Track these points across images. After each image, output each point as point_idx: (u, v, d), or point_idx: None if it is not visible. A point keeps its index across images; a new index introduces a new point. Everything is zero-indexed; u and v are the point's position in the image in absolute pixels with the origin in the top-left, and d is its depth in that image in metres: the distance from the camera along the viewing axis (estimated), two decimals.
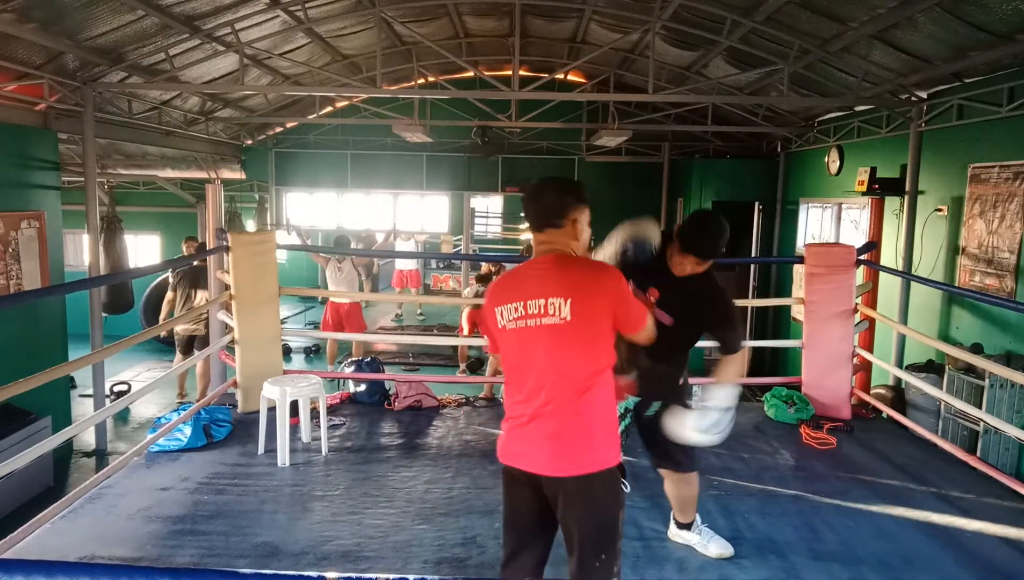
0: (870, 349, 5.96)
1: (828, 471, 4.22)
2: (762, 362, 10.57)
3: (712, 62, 8.31)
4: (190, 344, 8.23)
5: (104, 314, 7.91)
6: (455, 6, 8.13)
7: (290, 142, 13.03)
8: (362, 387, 5.46)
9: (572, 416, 2.22)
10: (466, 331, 9.46)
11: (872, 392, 5.67)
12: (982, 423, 4.98)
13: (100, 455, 7.26)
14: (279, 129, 12.70)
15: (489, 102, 10.40)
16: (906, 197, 6.84)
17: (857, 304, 5.16)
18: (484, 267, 11.11)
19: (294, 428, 4.49)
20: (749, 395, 8.51)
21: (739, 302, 10.57)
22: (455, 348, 10.41)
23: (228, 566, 3.10)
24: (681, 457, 3.09)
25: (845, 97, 7.51)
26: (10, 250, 6.41)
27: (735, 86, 8.97)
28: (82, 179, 7.35)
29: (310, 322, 13.12)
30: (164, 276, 8.84)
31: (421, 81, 10.91)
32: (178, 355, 8.40)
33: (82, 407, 8.16)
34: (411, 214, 13.52)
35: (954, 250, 6.15)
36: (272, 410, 4.25)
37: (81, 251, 11.28)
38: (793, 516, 3.62)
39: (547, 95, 9.20)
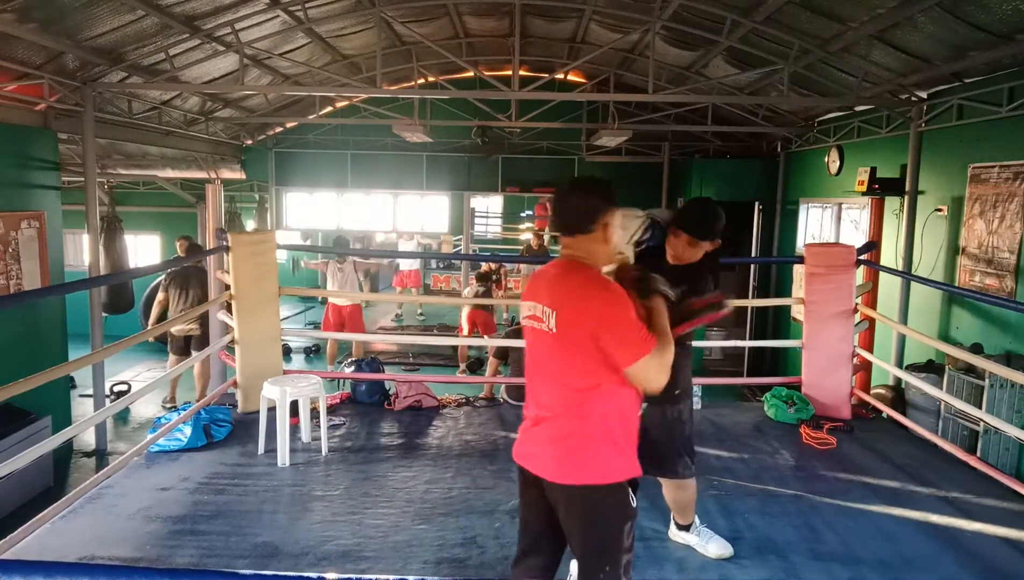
0: (870, 349, 5.96)
1: (828, 471, 4.21)
2: (762, 362, 10.57)
3: (712, 62, 8.31)
4: (186, 345, 8.22)
5: (104, 314, 7.92)
6: (455, 6, 8.13)
7: (290, 142, 13.02)
8: (363, 387, 5.46)
9: (572, 423, 2.20)
10: (466, 331, 9.47)
11: (872, 392, 5.67)
12: (982, 423, 4.98)
13: (100, 455, 7.26)
14: (279, 129, 12.70)
15: (489, 102, 10.40)
16: (906, 197, 6.84)
17: (857, 304, 5.16)
18: (484, 267, 11.12)
19: (294, 428, 4.48)
20: (749, 395, 8.52)
21: (739, 302, 10.67)
22: (455, 348, 10.42)
23: (228, 566, 3.10)
24: (672, 465, 3.08)
25: (845, 97, 7.51)
26: (10, 250, 6.41)
27: (735, 86, 8.97)
28: (82, 179, 7.35)
29: (310, 322, 13.12)
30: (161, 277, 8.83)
31: (421, 81, 10.91)
32: (172, 357, 8.37)
33: (82, 407, 8.16)
34: (411, 214, 13.52)
35: (954, 250, 6.15)
36: (272, 410, 4.25)
37: (81, 251, 11.28)
38: (793, 516, 3.62)
39: (547, 95, 9.20)
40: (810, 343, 5.25)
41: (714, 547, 3.22)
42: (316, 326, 12.04)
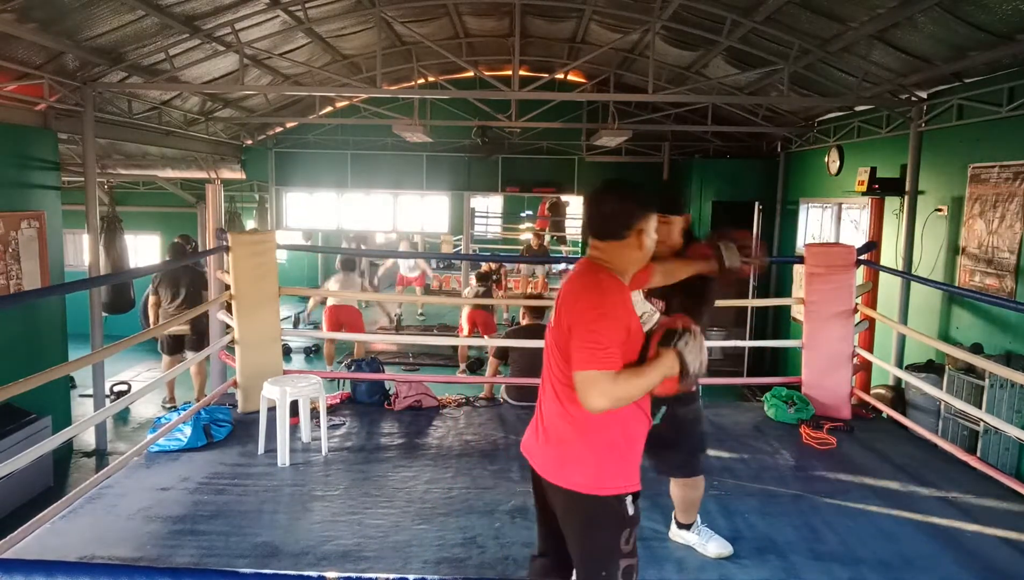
0: (870, 349, 5.95)
1: (828, 471, 4.21)
2: (762, 362, 10.57)
3: (712, 62, 8.31)
4: (178, 344, 8.21)
5: (104, 314, 7.92)
6: (455, 6, 8.13)
7: (290, 142, 13.03)
8: (363, 387, 5.46)
9: (569, 427, 2.18)
10: (466, 331, 9.46)
11: (872, 392, 5.67)
12: (982, 423, 4.98)
13: (100, 455, 7.26)
14: (279, 129, 12.70)
15: (489, 102, 10.40)
16: (906, 197, 6.84)
17: (857, 304, 5.16)
18: (484, 266, 11.12)
19: (294, 428, 4.48)
20: (749, 395, 8.52)
21: (739, 302, 10.67)
22: (455, 348, 10.42)
23: (228, 566, 3.10)
24: (689, 465, 3.12)
25: (845, 97, 7.51)
26: (10, 250, 6.41)
27: (735, 86, 8.97)
28: (82, 179, 7.35)
29: (310, 323, 13.12)
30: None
31: (421, 81, 10.91)
32: (165, 358, 8.36)
33: (82, 407, 8.16)
34: (411, 214, 13.52)
35: (954, 250, 6.15)
36: (272, 410, 4.25)
37: (81, 251, 11.28)
38: (793, 516, 3.62)
39: (547, 95, 9.20)
40: (810, 343, 5.25)
41: (713, 546, 3.22)
42: (316, 326, 12.04)
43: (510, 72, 8.19)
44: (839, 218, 8.65)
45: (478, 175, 12.96)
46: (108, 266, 8.75)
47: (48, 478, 6.43)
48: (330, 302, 9.53)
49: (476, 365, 10.02)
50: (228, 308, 5.13)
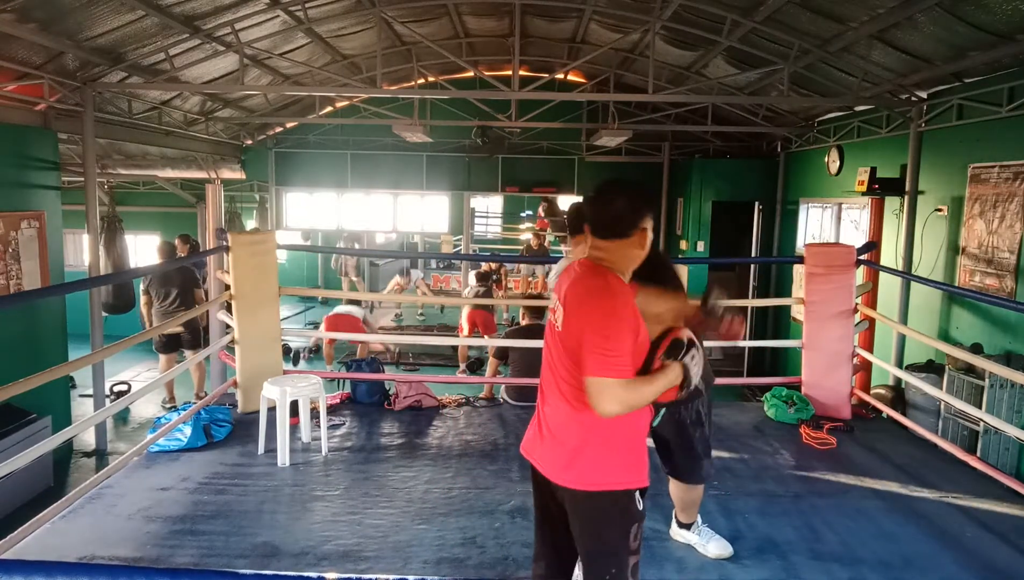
0: (870, 349, 5.95)
1: (828, 471, 4.21)
2: (762, 362, 10.58)
3: (712, 62, 8.31)
4: (173, 343, 8.21)
5: (104, 314, 7.92)
6: (455, 6, 8.13)
7: (290, 142, 13.03)
8: (363, 387, 5.46)
9: (576, 427, 2.18)
10: (466, 331, 9.46)
11: (872, 392, 5.67)
12: (982, 423, 4.98)
13: (100, 455, 7.27)
14: (279, 129, 12.70)
15: (489, 102, 10.40)
16: (906, 197, 6.84)
17: (857, 304, 5.16)
18: (484, 266, 11.12)
19: (294, 428, 4.48)
20: (749, 395, 8.52)
21: (739, 302, 10.67)
22: (455, 348, 10.42)
23: (228, 566, 3.10)
24: (690, 469, 3.11)
25: (845, 97, 7.52)
26: (10, 250, 6.41)
27: (735, 86, 8.97)
28: (82, 179, 7.35)
29: (310, 322, 13.12)
30: None
31: (421, 81, 10.91)
32: (162, 358, 8.35)
33: (82, 407, 8.16)
34: (411, 214, 13.53)
35: (954, 250, 6.15)
36: (272, 410, 4.25)
37: (81, 251, 11.29)
38: (793, 516, 3.62)
39: (547, 95, 9.21)
40: (810, 343, 5.24)
41: (714, 546, 3.22)
42: (316, 326, 12.04)
43: (510, 72, 8.19)
44: (839, 218, 8.65)
45: (478, 175, 12.97)
46: (108, 266, 8.75)
47: (48, 478, 6.43)
48: (331, 312, 9.59)
49: (476, 365, 10.01)
50: (228, 308, 5.13)
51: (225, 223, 10.21)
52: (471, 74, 10.90)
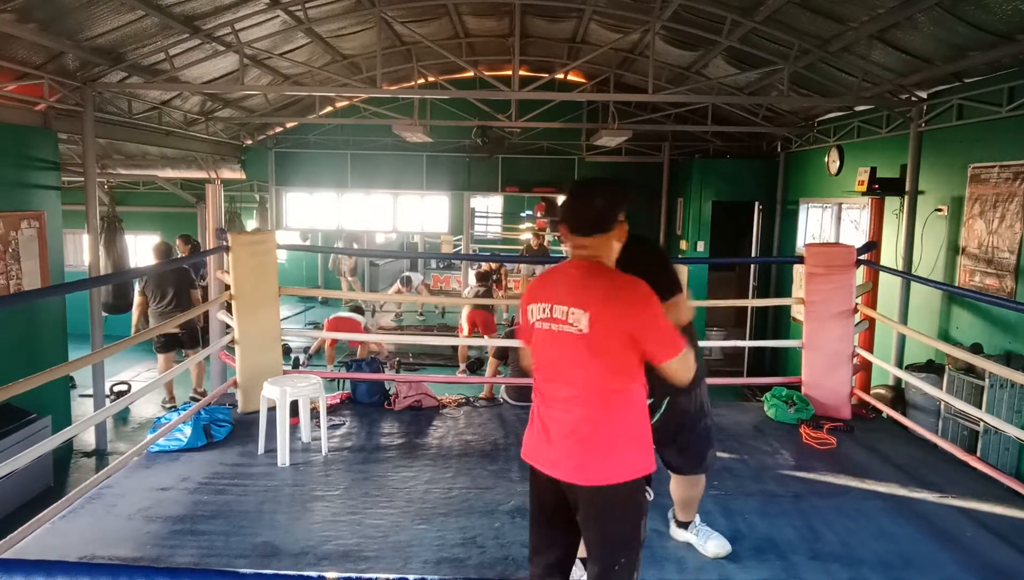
0: (870, 349, 5.96)
1: (828, 471, 4.21)
2: (762, 362, 10.58)
3: (712, 62, 8.31)
4: (171, 343, 8.21)
5: (104, 314, 7.92)
6: (455, 6, 8.13)
7: (290, 142, 13.03)
8: (363, 387, 5.46)
9: (597, 425, 2.20)
10: (466, 331, 9.47)
11: (872, 392, 5.67)
12: (982, 423, 4.98)
13: (100, 455, 7.27)
14: (279, 129, 12.70)
15: (489, 102, 10.40)
16: (906, 197, 6.84)
17: (857, 304, 5.16)
18: (484, 266, 11.13)
19: (294, 428, 4.48)
20: (749, 395, 8.52)
21: (739, 302, 10.64)
22: (455, 348, 10.42)
23: (228, 566, 3.10)
24: (699, 462, 3.11)
25: (845, 97, 7.52)
26: (10, 250, 6.41)
27: (735, 86, 8.97)
28: (82, 179, 7.35)
29: (310, 322, 13.13)
30: None
31: (421, 81, 10.91)
32: (161, 358, 8.34)
33: (82, 407, 8.16)
34: (411, 214, 13.53)
35: (954, 250, 6.15)
36: (272, 410, 4.25)
37: (81, 251, 11.29)
38: (793, 516, 3.62)
39: (547, 95, 9.21)
40: (810, 343, 5.25)
41: (713, 545, 3.22)
42: (316, 326, 12.04)
43: (510, 72, 8.19)
44: (839, 218, 8.65)
45: (478, 175, 12.97)
46: (108, 266, 8.75)
47: (48, 478, 6.43)
48: (332, 316, 9.60)
49: (476, 365, 10.02)
50: (228, 308, 5.14)
51: (225, 223, 10.20)
52: (471, 74, 10.90)
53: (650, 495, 2.32)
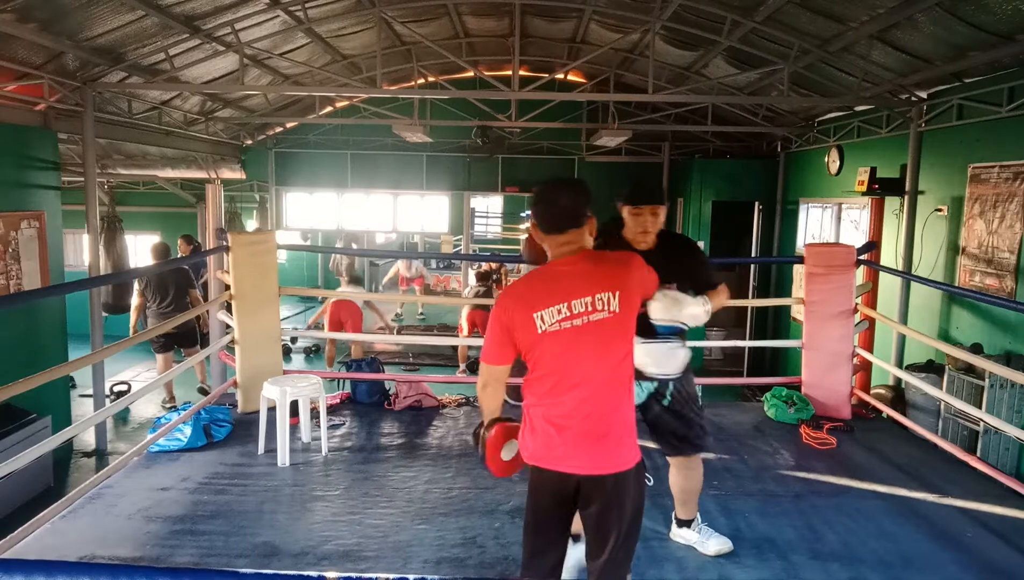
0: (870, 349, 5.96)
1: (828, 471, 4.21)
2: (762, 362, 10.57)
3: (712, 62, 8.31)
4: (170, 344, 8.20)
5: (104, 314, 7.91)
6: (455, 6, 8.13)
7: (290, 142, 13.03)
8: (363, 387, 5.46)
9: (615, 413, 2.29)
10: (466, 331, 9.47)
11: (872, 392, 5.67)
12: (982, 423, 4.98)
13: (100, 455, 7.26)
14: (279, 129, 12.70)
15: (489, 102, 10.40)
16: (906, 197, 6.84)
17: (857, 304, 5.16)
18: (484, 266, 11.12)
19: (294, 428, 4.49)
20: (749, 395, 8.52)
21: (739, 302, 10.63)
22: (455, 348, 10.42)
23: (228, 566, 3.10)
24: (700, 438, 3.14)
25: (845, 97, 7.51)
26: (10, 250, 6.41)
27: (735, 86, 8.97)
28: (82, 179, 7.35)
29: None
30: None
31: (421, 81, 10.91)
32: (160, 358, 8.33)
33: (82, 407, 8.16)
34: (411, 214, 13.52)
35: (954, 250, 6.15)
36: (272, 410, 4.25)
37: (81, 251, 11.29)
38: (793, 516, 3.62)
39: (547, 95, 9.20)
40: (810, 343, 5.25)
41: (713, 543, 3.22)
42: (317, 326, 12.03)
43: (510, 72, 8.19)
44: (839, 218, 8.65)
45: (478, 175, 12.96)
46: (108, 266, 8.75)
47: (48, 478, 6.43)
48: (332, 298, 9.51)
49: (476, 365, 9.99)
50: (228, 308, 5.13)
51: (225, 223, 10.19)
52: (471, 74, 10.90)
53: (650, 481, 2.36)
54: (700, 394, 3.29)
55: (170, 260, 8.28)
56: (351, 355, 8.92)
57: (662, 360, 2.86)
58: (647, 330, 2.79)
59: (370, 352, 9.77)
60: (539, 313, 2.24)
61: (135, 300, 8.33)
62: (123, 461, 4.03)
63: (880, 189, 6.97)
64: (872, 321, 5.78)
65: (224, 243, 4.93)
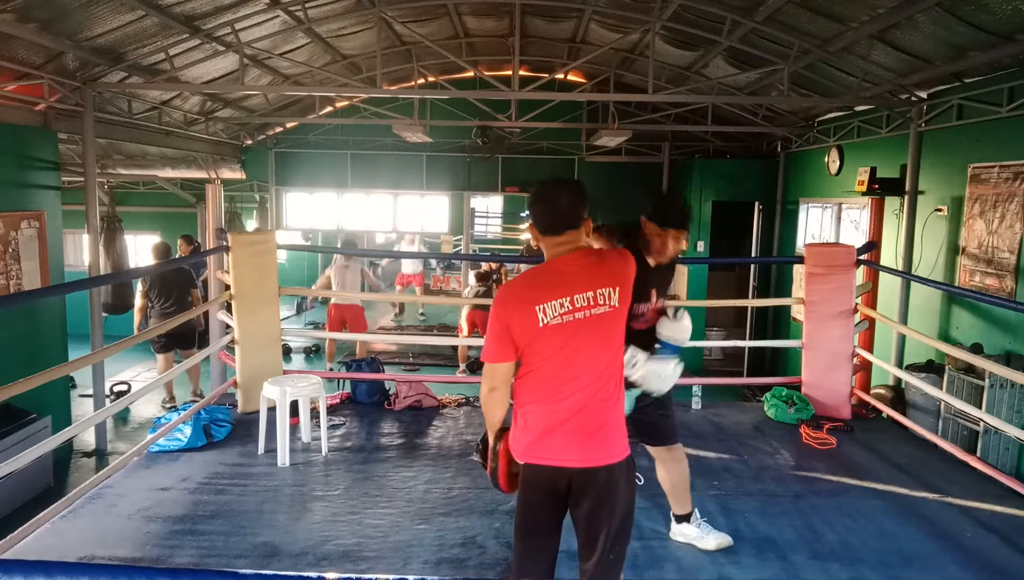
0: (870, 349, 5.96)
1: (828, 471, 4.22)
2: (762, 362, 10.58)
3: (712, 62, 8.31)
4: (170, 344, 8.20)
5: (104, 314, 7.91)
6: (455, 6, 8.13)
7: (290, 142, 13.03)
8: (363, 387, 5.46)
9: (608, 407, 2.33)
10: (466, 331, 9.47)
11: (872, 392, 5.68)
12: (982, 423, 4.98)
13: (100, 455, 7.26)
14: (279, 129, 12.70)
15: (489, 102, 10.39)
16: (906, 197, 6.84)
17: (857, 304, 5.17)
18: (484, 266, 11.12)
19: (294, 428, 4.49)
20: (749, 395, 8.52)
21: (739, 302, 10.62)
22: (455, 348, 10.42)
23: (228, 566, 3.10)
24: (674, 429, 3.19)
25: (845, 97, 7.51)
26: (10, 250, 6.41)
27: (735, 86, 8.97)
28: (82, 179, 7.35)
29: (310, 322, 13.13)
30: None
31: (421, 81, 10.90)
32: (160, 358, 8.33)
33: (82, 407, 8.16)
34: (411, 214, 13.52)
35: (954, 250, 6.15)
36: (272, 410, 4.25)
37: (81, 251, 11.29)
38: (793, 516, 3.63)
39: (547, 95, 9.20)
40: (810, 343, 5.25)
41: (713, 539, 3.23)
42: (316, 326, 12.04)
43: (510, 72, 8.19)
44: (839, 218, 8.66)
45: (478, 175, 12.96)
46: (108, 266, 8.74)
47: (48, 478, 6.43)
48: (333, 300, 9.52)
49: (476, 365, 10.01)
50: (228, 308, 5.13)
51: (225, 223, 10.21)
52: (471, 74, 10.90)
53: (640, 481, 2.37)
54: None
55: (170, 260, 8.28)
56: (353, 356, 8.92)
57: (668, 380, 2.83)
58: (648, 346, 2.80)
59: (370, 352, 9.77)
60: (541, 306, 2.27)
61: (138, 301, 8.33)
62: (123, 461, 4.03)
63: (880, 189, 6.97)
64: (872, 321, 5.78)
65: (224, 243, 4.94)
